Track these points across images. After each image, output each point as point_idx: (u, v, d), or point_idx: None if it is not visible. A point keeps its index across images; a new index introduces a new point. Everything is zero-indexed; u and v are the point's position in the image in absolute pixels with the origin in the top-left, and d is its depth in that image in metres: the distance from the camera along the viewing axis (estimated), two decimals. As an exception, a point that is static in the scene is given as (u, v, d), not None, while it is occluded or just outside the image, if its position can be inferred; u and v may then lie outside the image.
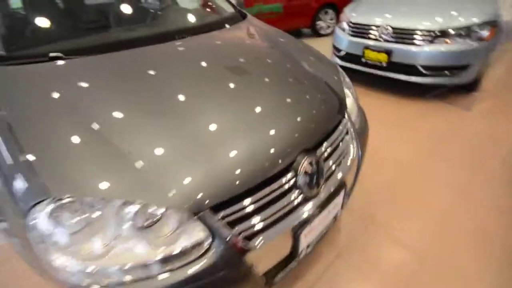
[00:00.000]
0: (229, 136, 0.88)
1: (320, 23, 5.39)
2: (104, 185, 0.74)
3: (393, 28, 2.74)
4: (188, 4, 1.96)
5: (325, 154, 1.02)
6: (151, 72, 1.08)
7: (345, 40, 3.14)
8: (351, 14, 3.17)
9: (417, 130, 2.39)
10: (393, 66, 2.80)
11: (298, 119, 1.00)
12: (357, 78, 3.35)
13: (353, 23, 3.07)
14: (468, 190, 1.76)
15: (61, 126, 0.85)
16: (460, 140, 2.24)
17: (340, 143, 1.11)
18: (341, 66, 3.31)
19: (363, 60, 2.99)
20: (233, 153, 0.84)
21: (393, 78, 2.86)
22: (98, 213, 0.73)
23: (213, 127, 0.90)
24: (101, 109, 0.91)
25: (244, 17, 1.79)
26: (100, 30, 1.42)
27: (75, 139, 0.82)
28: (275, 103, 1.03)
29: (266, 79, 1.15)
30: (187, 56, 1.23)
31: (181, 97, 0.98)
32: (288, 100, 1.07)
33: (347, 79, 1.45)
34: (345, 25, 3.19)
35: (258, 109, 0.98)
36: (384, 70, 2.89)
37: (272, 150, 0.88)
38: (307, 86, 1.19)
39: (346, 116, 1.19)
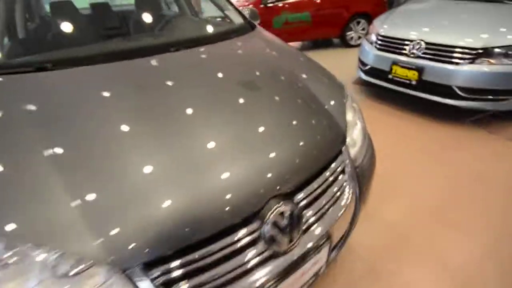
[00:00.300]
0: (181, 174, 0.74)
1: (350, 33, 5.11)
2: (29, 227, 0.65)
3: (426, 43, 2.44)
4: (211, 13, 1.87)
5: (307, 200, 0.84)
6: (124, 90, 0.98)
7: (371, 53, 2.89)
8: (381, 26, 2.91)
9: (447, 162, 2.07)
10: (424, 85, 2.49)
11: (275, 155, 0.84)
12: (384, 95, 3.06)
13: (382, 36, 2.80)
14: (497, 244, 1.44)
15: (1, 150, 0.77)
16: (498, 178, 1.88)
17: (331, 186, 0.92)
18: (366, 82, 3.06)
19: (390, 76, 2.71)
20: (180, 196, 0.70)
21: (424, 98, 2.54)
22: (16, 257, 0.63)
23: (164, 162, 0.76)
24: (58, 132, 0.82)
25: (253, 28, 1.68)
26: (92, 40, 1.38)
27: (12, 167, 0.73)
28: (251, 133, 0.88)
29: (251, 101, 1.01)
30: (173, 71, 1.13)
31: (144, 121, 0.87)
32: (269, 129, 0.91)
33: (355, 104, 1.26)
34: (373, 37, 2.93)
35: (226, 140, 0.84)
36: (414, 89, 2.58)
37: (231, 194, 0.73)
38: (299, 112, 1.02)
39: (343, 151, 1.00)
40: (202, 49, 1.29)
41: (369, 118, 2.72)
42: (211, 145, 0.82)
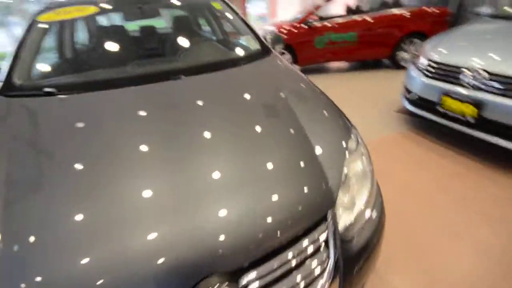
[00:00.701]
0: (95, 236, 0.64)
1: (401, 54, 4.61)
2: None
3: (490, 73, 1.99)
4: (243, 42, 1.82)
5: (259, 285, 0.65)
6: (118, 119, 0.98)
7: (418, 80, 2.49)
8: (433, 50, 2.51)
9: (504, 229, 1.59)
10: (484, 124, 2.02)
11: (221, 218, 0.68)
12: (433, 128, 2.61)
13: (433, 61, 2.40)
14: None
15: None
16: None
17: (300, 266, 0.70)
18: (411, 113, 2.65)
19: (439, 109, 2.28)
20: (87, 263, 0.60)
21: (484, 140, 2.06)
22: None
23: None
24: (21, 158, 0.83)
25: (268, 53, 1.56)
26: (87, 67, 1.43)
27: None
28: (197, 186, 0.74)
29: (222, 144, 0.88)
30: (164, 102, 1.08)
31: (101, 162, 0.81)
32: (225, 182, 0.76)
33: (364, 149, 1.01)
34: (422, 62, 2.54)
35: (164, 198, 0.72)
36: (470, 127, 2.11)
37: (151, 268, 0.60)
38: (274, 162, 0.83)
39: (329, 217, 0.77)
40: (205, 77, 1.26)
41: (409, 156, 2.33)
42: (154, 203, 0.71)
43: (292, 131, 0.96)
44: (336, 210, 0.80)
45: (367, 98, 3.63)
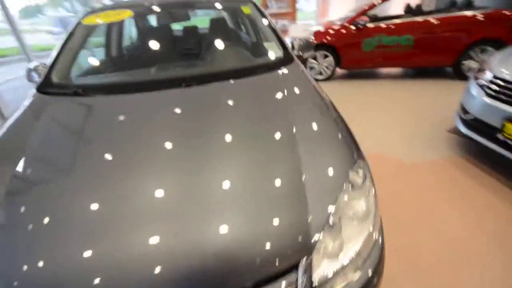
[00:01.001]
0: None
1: (468, 63, 3.99)
2: None
3: None
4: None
5: None
6: (104, 126, 1.04)
7: (478, 99, 2.12)
8: (502, 64, 2.11)
9: None
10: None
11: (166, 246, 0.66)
12: (488, 157, 2.22)
13: (501, 79, 2.01)
14: None
15: None
16: None
17: None
18: (465, 136, 2.28)
19: (499, 136, 1.91)
20: None
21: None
22: None
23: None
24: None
25: (291, 61, 1.49)
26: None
27: None
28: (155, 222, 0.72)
29: (203, 167, 0.85)
30: (168, 112, 1.10)
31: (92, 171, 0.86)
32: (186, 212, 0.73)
33: (371, 186, 0.88)
34: (487, 78, 2.15)
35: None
36: (538, 163, 1.73)
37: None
38: (245, 198, 0.77)
39: (301, 266, 0.68)
40: (217, 86, 1.26)
41: (454, 188, 1.98)
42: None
43: (283, 157, 0.88)
44: (315, 256, 0.70)
45: (417, 112, 3.24)
